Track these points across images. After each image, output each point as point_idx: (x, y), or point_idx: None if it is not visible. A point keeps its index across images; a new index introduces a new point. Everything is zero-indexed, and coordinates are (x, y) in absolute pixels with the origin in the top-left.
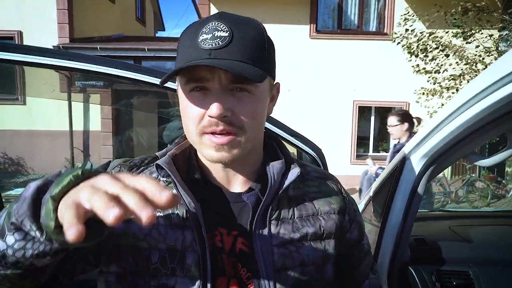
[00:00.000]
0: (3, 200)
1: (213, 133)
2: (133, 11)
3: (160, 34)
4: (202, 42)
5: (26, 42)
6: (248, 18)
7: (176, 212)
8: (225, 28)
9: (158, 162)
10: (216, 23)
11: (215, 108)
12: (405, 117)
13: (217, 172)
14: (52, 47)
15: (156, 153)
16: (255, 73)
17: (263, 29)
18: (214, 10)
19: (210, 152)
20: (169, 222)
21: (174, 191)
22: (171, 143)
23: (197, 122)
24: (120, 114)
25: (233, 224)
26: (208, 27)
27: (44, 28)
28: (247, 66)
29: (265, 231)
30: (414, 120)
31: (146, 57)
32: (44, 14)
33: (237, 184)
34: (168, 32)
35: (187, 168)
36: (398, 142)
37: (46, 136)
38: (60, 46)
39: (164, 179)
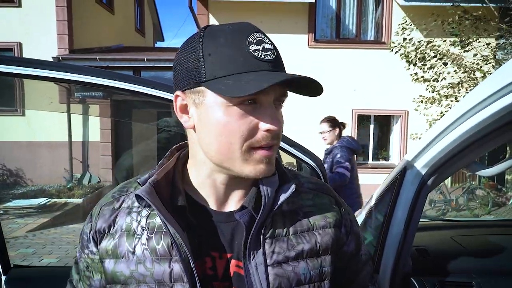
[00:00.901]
0: (1, 212)
1: (262, 147)
2: (133, 22)
3: (159, 44)
4: (256, 53)
5: (26, 53)
6: None
7: (161, 242)
8: (269, 41)
9: (137, 192)
10: (260, 35)
11: (275, 123)
12: (335, 122)
13: (211, 192)
14: (51, 58)
15: (138, 180)
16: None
17: None
18: (212, 20)
19: (258, 167)
20: (155, 255)
21: (158, 220)
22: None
23: (247, 137)
24: (119, 124)
25: (226, 246)
26: (255, 38)
27: (43, 40)
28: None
29: (260, 251)
30: (342, 125)
31: (145, 67)
32: (44, 25)
33: (229, 202)
34: (167, 43)
35: (171, 192)
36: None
37: (45, 147)
38: (60, 57)
39: (146, 208)
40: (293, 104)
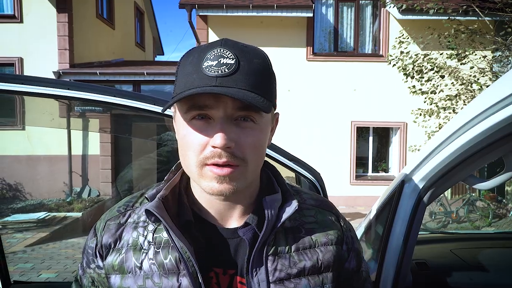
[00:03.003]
0: (0, 226)
1: (215, 164)
2: (133, 36)
3: (159, 58)
4: (207, 69)
5: (27, 68)
6: (253, 47)
7: (169, 257)
8: (231, 56)
9: (147, 207)
10: (222, 50)
11: (219, 138)
12: None
13: (211, 207)
14: (52, 73)
15: (146, 195)
16: (263, 103)
17: (267, 59)
18: (212, 35)
19: (210, 184)
20: (163, 270)
21: (165, 234)
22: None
23: (199, 152)
24: (119, 138)
25: (229, 262)
26: (213, 53)
27: (44, 55)
28: (254, 95)
29: (262, 268)
30: None
31: (145, 81)
32: (45, 40)
33: (233, 219)
34: (167, 56)
35: (177, 208)
36: None
37: (45, 161)
38: (60, 72)
39: (153, 223)
40: (292, 116)
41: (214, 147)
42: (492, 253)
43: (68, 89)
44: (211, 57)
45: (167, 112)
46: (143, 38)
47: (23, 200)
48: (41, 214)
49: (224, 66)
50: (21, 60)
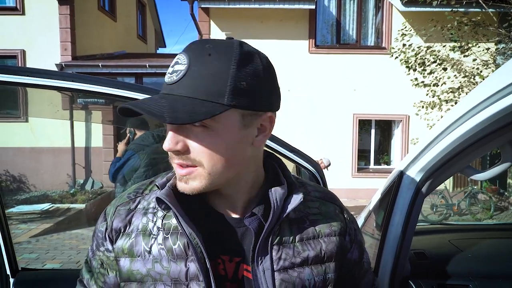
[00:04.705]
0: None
1: (175, 163)
2: (135, 29)
3: (161, 50)
4: (166, 76)
5: (29, 61)
6: (223, 43)
7: (178, 243)
8: (185, 61)
9: (158, 195)
10: (181, 55)
11: (165, 142)
12: None
13: (217, 198)
14: (54, 65)
15: (156, 183)
16: (196, 111)
17: (236, 56)
18: (214, 27)
19: (179, 182)
20: (171, 255)
21: (174, 221)
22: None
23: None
24: (122, 130)
25: (235, 250)
26: (174, 60)
27: (47, 47)
28: (190, 102)
29: (267, 257)
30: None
31: (147, 74)
32: (47, 33)
33: (239, 208)
34: (169, 49)
35: (186, 196)
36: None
37: (48, 153)
38: (63, 64)
39: (163, 210)
40: (293, 109)
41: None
42: (491, 244)
43: (73, 81)
44: (172, 64)
45: None
46: (145, 31)
47: (27, 192)
48: (45, 206)
49: (174, 74)
50: (23, 52)
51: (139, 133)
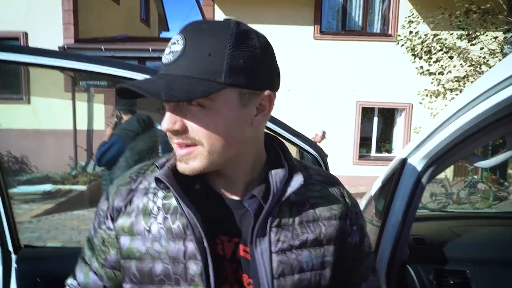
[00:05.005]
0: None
1: (175, 143)
2: (138, 12)
3: (164, 34)
4: (163, 57)
5: (31, 43)
6: (218, 24)
7: (177, 222)
8: (181, 41)
9: (157, 175)
10: (178, 36)
11: (163, 122)
12: None
13: (217, 179)
14: (57, 48)
15: (156, 163)
16: (193, 90)
17: (232, 34)
18: (218, 11)
19: (178, 162)
20: (170, 234)
21: (174, 201)
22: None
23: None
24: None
25: (234, 231)
26: (171, 41)
27: (49, 29)
28: (186, 81)
29: (266, 239)
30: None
31: (150, 58)
32: (50, 15)
33: (239, 190)
34: (172, 33)
35: (186, 176)
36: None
37: (50, 135)
38: (65, 46)
39: (163, 190)
40: (297, 94)
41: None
42: (489, 231)
43: (79, 61)
44: (169, 45)
45: None
46: (148, 14)
47: (29, 173)
48: (47, 187)
49: (171, 54)
50: (25, 34)
51: (125, 118)
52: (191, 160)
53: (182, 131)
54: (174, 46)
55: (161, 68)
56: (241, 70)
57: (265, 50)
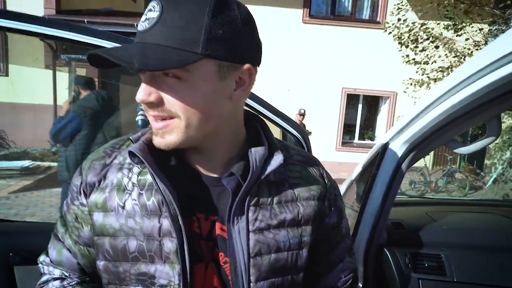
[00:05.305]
0: None
1: (153, 116)
2: None
3: None
4: (138, 24)
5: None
6: None
7: (152, 199)
8: (158, 9)
9: (131, 149)
10: (153, 4)
11: (138, 94)
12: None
13: (195, 155)
14: None
15: (130, 137)
16: (169, 59)
17: (212, 4)
18: None
19: (154, 136)
20: (145, 211)
21: (149, 177)
22: None
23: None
24: (106, 88)
25: (211, 209)
26: (148, 6)
27: None
28: (161, 50)
29: (243, 217)
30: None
31: (135, 33)
32: None
33: (217, 167)
34: None
35: (162, 152)
36: None
37: (29, 110)
38: (46, 17)
39: (138, 165)
40: (283, 78)
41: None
42: (464, 217)
43: (62, 29)
44: (145, 12)
45: None
46: None
47: (6, 148)
48: (25, 163)
49: (147, 21)
50: (4, 2)
51: (84, 93)
52: (167, 134)
53: (158, 103)
54: (150, 13)
55: (136, 36)
56: (219, 40)
57: (246, 21)
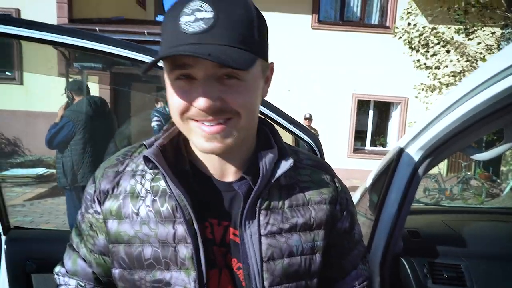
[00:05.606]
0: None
1: (204, 121)
2: None
3: (160, 18)
4: (184, 26)
5: None
6: None
7: (166, 205)
8: (209, 8)
9: (145, 154)
10: (199, 3)
11: (202, 102)
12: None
13: (208, 161)
14: None
15: (144, 142)
16: (243, 58)
17: (251, 5)
18: None
19: (200, 141)
20: (159, 217)
21: (163, 183)
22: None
23: (182, 112)
24: (118, 97)
25: (224, 214)
26: (190, 7)
27: (42, 7)
28: (232, 51)
29: (255, 222)
30: None
31: (145, 41)
32: None
33: (229, 173)
34: None
35: (175, 158)
36: None
37: (43, 118)
38: (69, 27)
39: (151, 171)
40: (293, 84)
41: (198, 107)
42: (483, 226)
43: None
44: (188, 12)
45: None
46: None
47: (22, 156)
48: (40, 170)
49: (201, 21)
50: (18, 11)
51: (77, 99)
52: (225, 137)
53: (221, 106)
54: (201, 13)
55: (184, 36)
56: (263, 40)
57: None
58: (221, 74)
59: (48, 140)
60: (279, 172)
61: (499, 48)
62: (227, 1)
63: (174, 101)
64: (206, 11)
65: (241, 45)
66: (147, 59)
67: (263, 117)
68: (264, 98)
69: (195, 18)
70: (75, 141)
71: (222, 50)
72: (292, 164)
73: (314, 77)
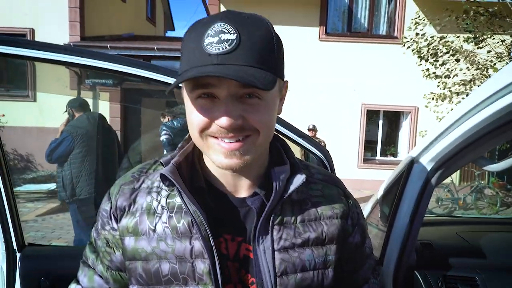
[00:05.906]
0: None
1: (223, 138)
2: (144, 11)
3: (170, 33)
4: (208, 46)
5: (37, 39)
6: (255, 16)
7: (182, 221)
8: (232, 30)
9: (162, 172)
10: (222, 25)
11: (224, 120)
12: None
13: (222, 177)
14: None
15: (161, 160)
16: (265, 79)
17: (271, 27)
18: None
19: (219, 158)
20: (176, 233)
21: (178, 199)
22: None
23: (202, 129)
24: (129, 112)
25: (237, 229)
26: (214, 29)
27: (55, 26)
28: (255, 71)
29: (268, 237)
30: None
31: (155, 57)
32: (56, 12)
33: (242, 188)
34: (178, 32)
35: (190, 174)
36: None
37: (55, 134)
38: (71, 44)
39: (166, 188)
40: (302, 96)
41: (220, 127)
42: (498, 237)
43: (83, 56)
44: (212, 33)
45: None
46: (154, 13)
47: (34, 171)
48: (51, 186)
49: (225, 43)
50: (32, 31)
51: (77, 115)
52: (244, 154)
53: (242, 124)
54: (225, 35)
55: (208, 57)
56: (281, 60)
57: None
58: (243, 93)
59: (48, 154)
60: (292, 188)
61: (509, 56)
62: (249, 23)
63: (195, 118)
64: (230, 33)
65: (263, 65)
66: (165, 78)
67: (274, 133)
68: None
69: (218, 39)
70: (74, 155)
71: (245, 70)
72: (304, 180)
73: (322, 89)
